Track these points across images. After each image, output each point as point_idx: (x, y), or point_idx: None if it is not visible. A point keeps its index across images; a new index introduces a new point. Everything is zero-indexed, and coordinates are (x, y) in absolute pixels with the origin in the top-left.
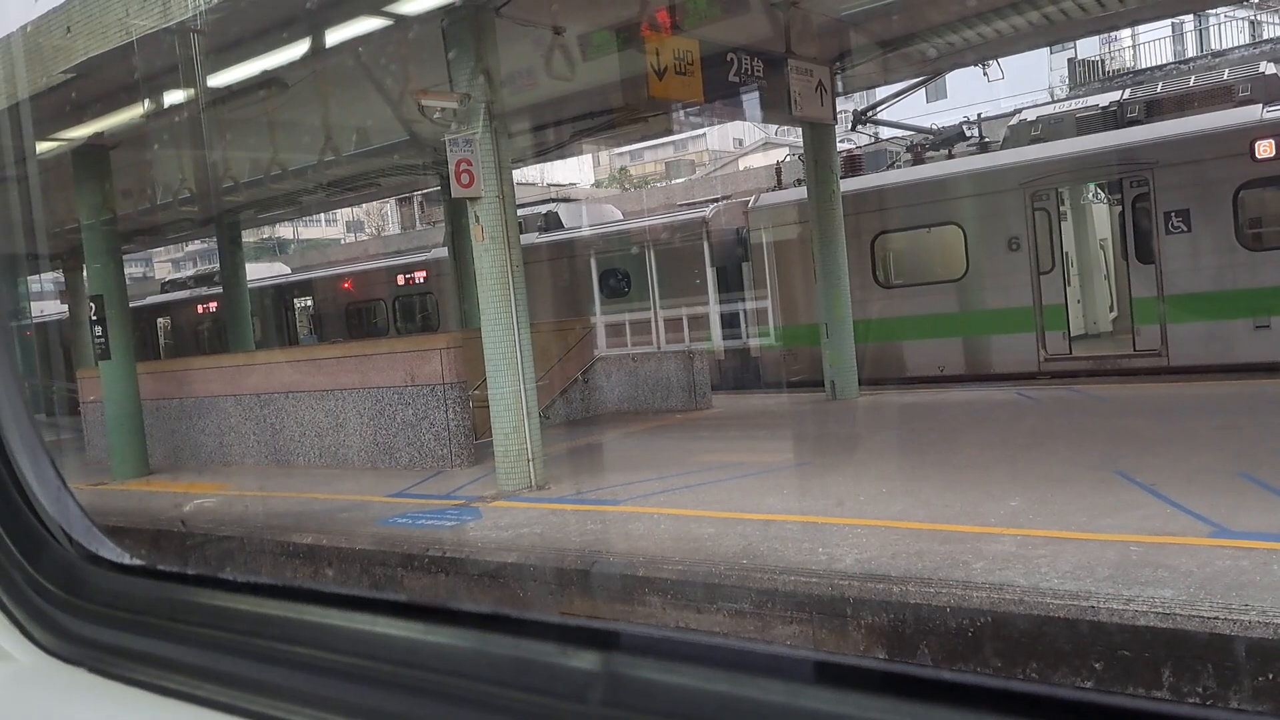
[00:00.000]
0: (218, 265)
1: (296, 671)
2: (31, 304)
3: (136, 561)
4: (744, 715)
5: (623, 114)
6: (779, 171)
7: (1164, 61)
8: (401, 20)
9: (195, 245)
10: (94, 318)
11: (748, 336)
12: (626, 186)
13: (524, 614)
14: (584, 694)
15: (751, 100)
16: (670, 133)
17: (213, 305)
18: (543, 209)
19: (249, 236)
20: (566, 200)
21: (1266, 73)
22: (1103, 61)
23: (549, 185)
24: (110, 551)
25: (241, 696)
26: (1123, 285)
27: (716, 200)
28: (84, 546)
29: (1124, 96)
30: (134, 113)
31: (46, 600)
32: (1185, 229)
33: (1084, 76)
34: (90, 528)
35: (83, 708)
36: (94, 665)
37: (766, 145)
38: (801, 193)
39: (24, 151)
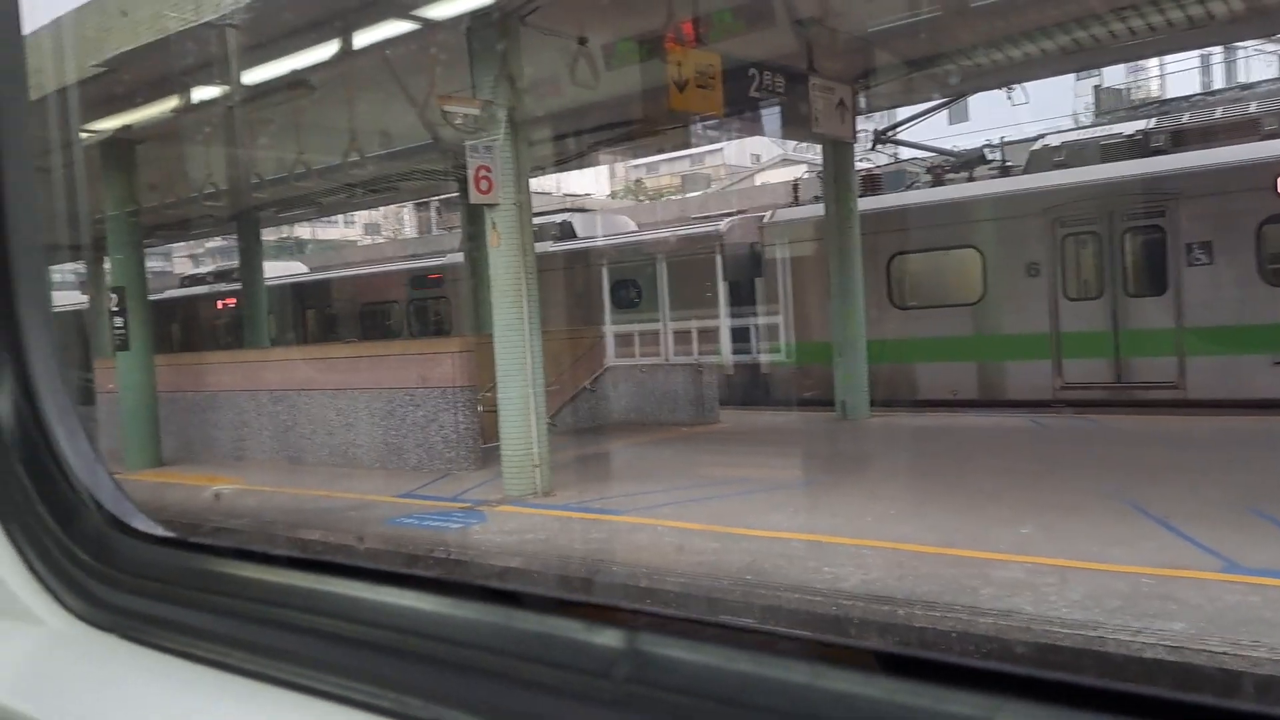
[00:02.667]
0: (237, 262)
1: (323, 642)
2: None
3: (166, 533)
4: (766, 693)
5: (642, 125)
6: (796, 188)
7: (1191, 92)
8: (428, 25)
9: (215, 242)
10: (114, 309)
11: (758, 352)
12: (641, 198)
13: (549, 592)
14: (609, 670)
15: (771, 115)
16: (688, 146)
17: (230, 301)
18: (558, 218)
19: (268, 235)
20: (582, 210)
21: None
22: (1129, 90)
23: (565, 195)
24: (141, 522)
25: (269, 664)
26: (1142, 316)
27: (731, 214)
28: (116, 517)
29: (1149, 125)
30: (161, 108)
31: (79, 568)
32: (1207, 261)
33: (1109, 104)
34: (122, 499)
35: (113, 672)
36: (124, 632)
37: (784, 161)
38: (818, 210)
39: (52, 143)
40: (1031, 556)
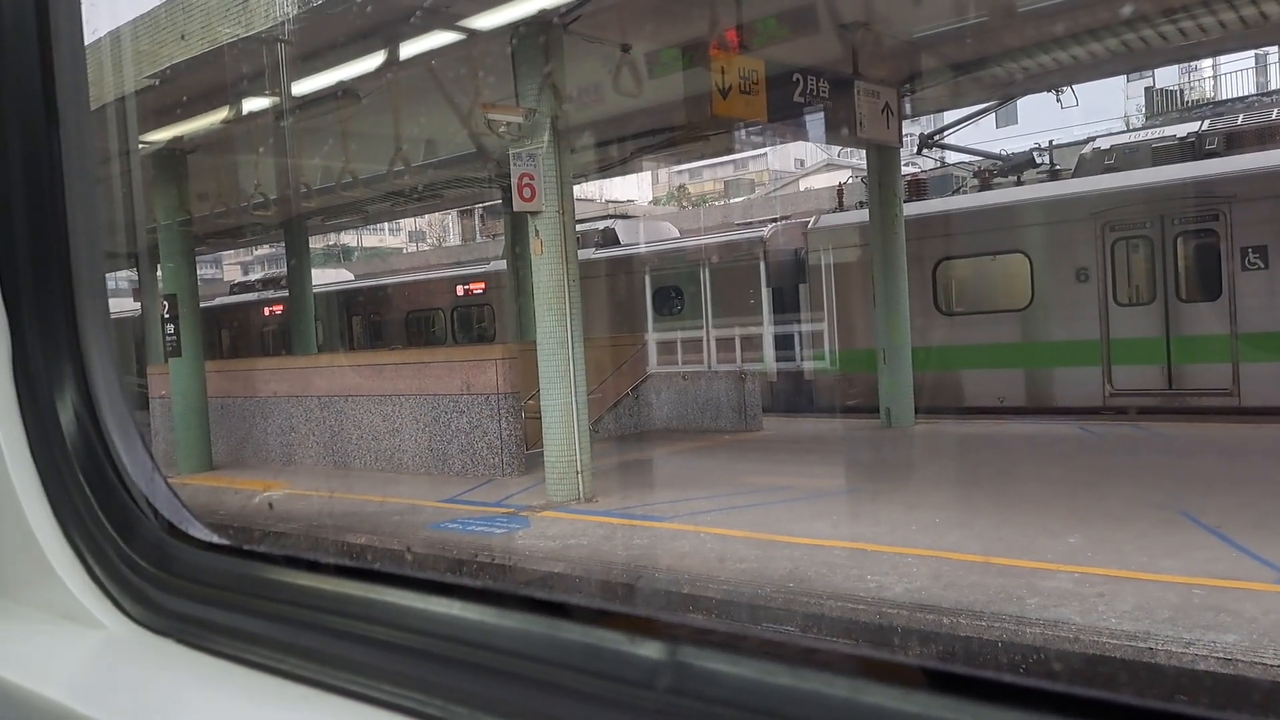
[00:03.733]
0: (284, 270)
1: (372, 649)
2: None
3: (222, 541)
4: (806, 707)
5: (685, 132)
6: (840, 193)
7: (1246, 93)
8: (472, 35)
9: (264, 250)
10: (166, 316)
11: (801, 359)
12: (684, 204)
13: (594, 603)
14: (651, 680)
15: (815, 121)
16: (731, 151)
17: (278, 308)
18: (600, 225)
19: (314, 243)
20: (624, 217)
21: None
22: (1181, 91)
23: (607, 201)
24: (198, 530)
25: (323, 671)
26: (1195, 321)
27: (775, 220)
28: (173, 524)
29: (1202, 128)
30: (213, 119)
31: (137, 574)
32: (1262, 265)
33: (1161, 106)
34: (179, 507)
35: (170, 676)
36: (181, 637)
37: (829, 166)
38: (863, 215)
39: (105, 153)
40: (1080, 566)
